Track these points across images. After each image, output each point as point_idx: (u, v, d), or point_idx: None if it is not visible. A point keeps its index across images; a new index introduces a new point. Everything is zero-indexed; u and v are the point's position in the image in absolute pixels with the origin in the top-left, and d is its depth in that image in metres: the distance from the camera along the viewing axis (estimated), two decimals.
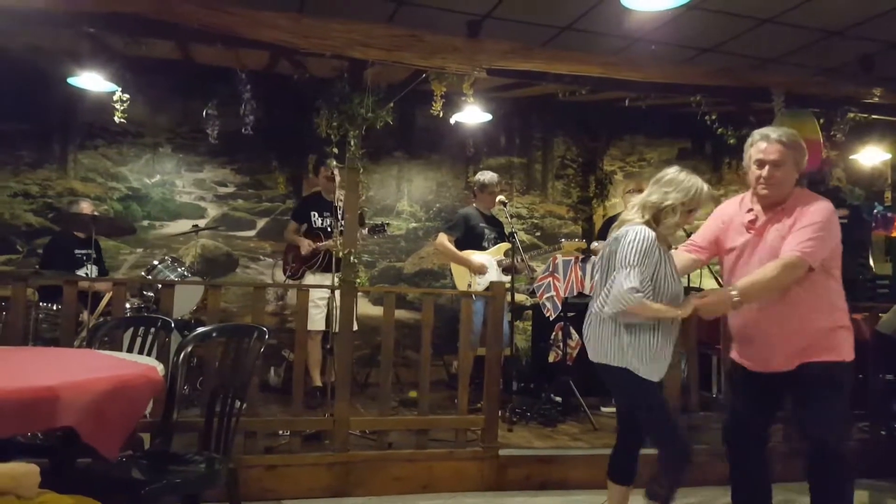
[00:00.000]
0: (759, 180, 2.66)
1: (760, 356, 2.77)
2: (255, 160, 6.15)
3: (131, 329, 3.16)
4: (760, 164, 2.65)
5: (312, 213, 5.13)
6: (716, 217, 2.95)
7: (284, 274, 5.25)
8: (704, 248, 2.94)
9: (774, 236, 2.66)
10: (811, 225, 2.57)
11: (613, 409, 5.29)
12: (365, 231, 5.01)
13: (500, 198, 5.03)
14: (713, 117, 4.55)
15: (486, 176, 5.18)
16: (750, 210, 2.77)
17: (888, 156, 6.20)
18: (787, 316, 2.64)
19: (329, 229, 5.01)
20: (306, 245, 4.97)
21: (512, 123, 6.82)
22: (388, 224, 5.22)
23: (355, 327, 4.97)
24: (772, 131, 2.70)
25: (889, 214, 5.36)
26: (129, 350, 3.04)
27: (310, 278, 4.98)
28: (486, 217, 5.17)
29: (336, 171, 4.31)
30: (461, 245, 5.02)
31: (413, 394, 4.77)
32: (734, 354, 2.93)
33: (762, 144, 2.67)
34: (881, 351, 4.22)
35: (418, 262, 6.56)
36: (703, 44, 4.85)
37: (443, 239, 5.02)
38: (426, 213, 6.62)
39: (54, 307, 4.44)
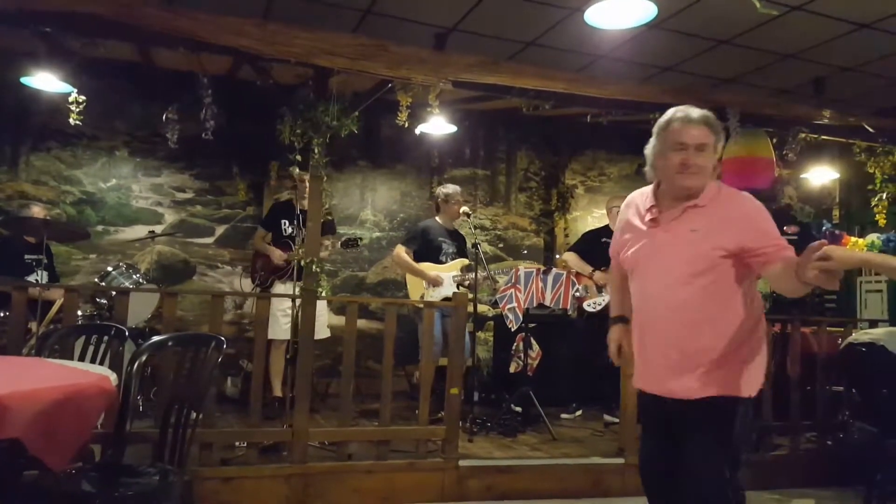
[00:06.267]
0: (680, 167, 2.20)
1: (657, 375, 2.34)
2: (214, 166, 6.05)
3: (83, 337, 3.06)
4: (681, 146, 2.21)
5: (283, 221, 5.02)
6: (621, 223, 2.50)
7: (253, 282, 5.15)
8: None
9: (694, 238, 2.21)
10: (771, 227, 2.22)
11: (572, 417, 5.39)
12: (339, 244, 4.99)
13: (464, 209, 5.06)
14: None
15: (449, 188, 5.20)
16: (652, 207, 2.32)
17: (836, 175, 6.45)
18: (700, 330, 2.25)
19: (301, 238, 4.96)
20: (278, 255, 4.89)
21: (477, 135, 6.87)
22: (361, 238, 5.18)
23: (328, 334, 4.95)
24: (692, 110, 2.25)
25: (837, 232, 5.55)
26: (81, 359, 2.94)
27: (279, 287, 4.91)
28: (447, 231, 5.15)
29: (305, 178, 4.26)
30: (419, 258, 5.01)
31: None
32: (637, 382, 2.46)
33: (682, 124, 2.22)
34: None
35: (381, 271, 6.53)
36: (663, 62, 4.97)
37: (400, 251, 5.02)
38: (390, 223, 6.60)
39: (1, 314, 4.28)
